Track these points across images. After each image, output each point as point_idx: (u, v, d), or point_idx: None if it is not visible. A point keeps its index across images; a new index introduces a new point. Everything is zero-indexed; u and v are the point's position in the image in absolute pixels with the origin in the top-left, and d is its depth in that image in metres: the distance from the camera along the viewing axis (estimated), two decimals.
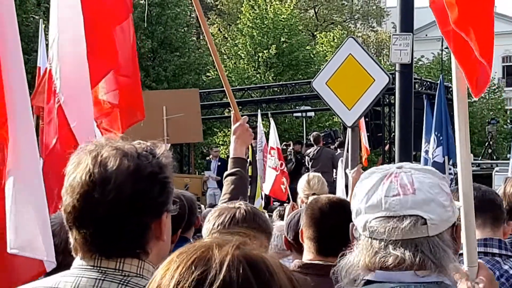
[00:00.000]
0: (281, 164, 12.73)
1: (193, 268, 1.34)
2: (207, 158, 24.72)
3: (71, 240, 2.08)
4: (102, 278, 2.02)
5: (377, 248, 2.06)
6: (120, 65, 4.76)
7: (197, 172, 34.61)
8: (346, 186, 8.24)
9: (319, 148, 18.23)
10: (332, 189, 17.16)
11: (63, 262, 2.18)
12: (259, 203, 11.92)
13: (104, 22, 4.40)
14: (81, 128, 4.01)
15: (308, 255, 3.40)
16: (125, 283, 2.01)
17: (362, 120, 12.76)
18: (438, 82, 12.23)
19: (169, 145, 2.27)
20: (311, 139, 18.90)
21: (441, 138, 11.84)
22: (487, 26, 3.82)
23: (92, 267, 2.04)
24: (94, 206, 2.00)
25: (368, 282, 2.08)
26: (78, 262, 2.08)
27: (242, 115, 4.50)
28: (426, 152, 12.05)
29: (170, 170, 2.11)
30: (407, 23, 11.05)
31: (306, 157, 18.64)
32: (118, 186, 1.99)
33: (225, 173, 4.25)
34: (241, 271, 1.33)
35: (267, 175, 12.54)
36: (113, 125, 4.92)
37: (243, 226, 3.02)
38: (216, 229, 3.03)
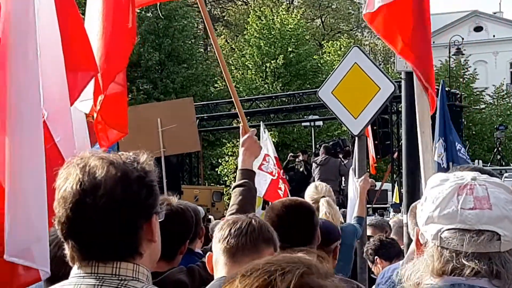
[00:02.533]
0: (283, 173, 12.68)
1: None
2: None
3: (67, 250, 2.16)
4: (100, 283, 2.09)
5: (449, 257, 2.06)
6: (111, 70, 4.77)
7: (206, 184, 34.67)
8: None
9: (326, 156, 18.22)
10: (340, 197, 17.23)
11: (63, 272, 2.24)
12: (260, 213, 11.92)
13: (80, 33, 4.42)
14: (65, 143, 4.03)
15: None
16: (123, 286, 2.10)
17: (369, 128, 12.75)
18: (440, 88, 12.20)
19: (151, 154, 2.32)
20: (323, 150, 18.83)
21: (444, 144, 11.81)
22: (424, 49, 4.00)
23: (89, 274, 2.12)
24: (87, 213, 2.09)
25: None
26: (75, 271, 2.16)
27: (250, 126, 4.53)
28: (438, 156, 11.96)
29: (154, 175, 2.21)
30: None
31: (313, 164, 18.59)
32: (108, 191, 2.09)
33: (233, 185, 4.27)
34: None
35: (261, 179, 12.41)
36: (101, 136, 4.91)
37: (259, 235, 3.06)
38: (233, 234, 3.05)
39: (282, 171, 12.78)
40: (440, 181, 2.17)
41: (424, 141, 3.45)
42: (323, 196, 5.71)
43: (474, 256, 2.05)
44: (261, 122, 15.47)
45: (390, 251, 5.89)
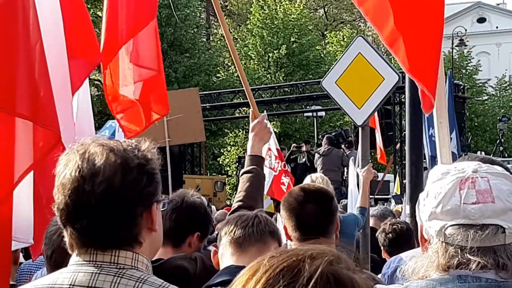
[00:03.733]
0: (284, 165, 12.68)
1: (281, 276, 1.33)
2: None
3: (66, 238, 2.15)
4: (98, 271, 2.09)
5: (454, 253, 2.05)
6: (140, 57, 4.81)
7: (208, 173, 34.69)
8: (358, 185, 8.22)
9: (329, 147, 18.19)
10: (342, 188, 17.20)
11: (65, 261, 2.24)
12: (268, 203, 11.90)
13: (84, 21, 4.40)
14: (65, 133, 4.02)
15: (294, 244, 3.46)
16: (120, 275, 2.08)
17: (377, 120, 12.74)
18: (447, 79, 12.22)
19: (154, 143, 2.33)
20: (326, 140, 18.77)
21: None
22: (427, 45, 3.79)
23: (88, 262, 2.11)
24: (86, 199, 2.07)
25: None
26: (74, 259, 2.15)
27: None
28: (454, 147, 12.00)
29: (156, 163, 2.19)
30: None
31: (316, 154, 18.54)
32: (108, 178, 2.07)
33: (242, 171, 4.20)
34: None
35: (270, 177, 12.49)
36: (134, 121, 4.98)
37: (265, 226, 3.08)
38: (240, 226, 3.06)
39: (283, 163, 12.76)
40: (441, 175, 2.14)
41: (441, 134, 3.38)
42: None
43: (479, 250, 2.03)
44: (264, 111, 15.50)
45: (397, 250, 5.74)
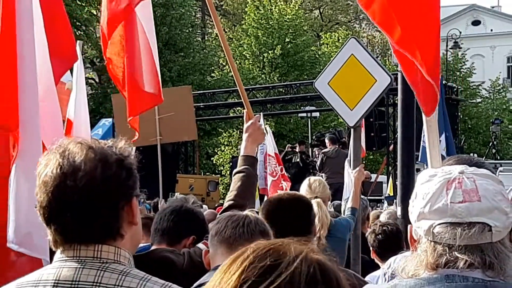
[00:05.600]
0: (281, 169, 12.68)
1: (268, 255, 1.40)
2: None
3: (49, 235, 2.20)
4: (82, 266, 2.14)
5: (442, 251, 2.10)
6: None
7: (202, 173, 34.68)
8: None
9: (336, 148, 18.09)
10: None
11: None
12: (257, 204, 11.91)
13: (62, 19, 4.42)
14: (49, 132, 3.99)
15: None
16: (104, 269, 2.14)
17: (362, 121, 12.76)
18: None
19: (129, 141, 2.37)
20: (329, 141, 18.70)
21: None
22: (432, 45, 3.81)
23: (72, 258, 2.16)
24: (69, 195, 2.12)
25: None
26: (58, 255, 2.21)
27: None
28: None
29: (133, 159, 2.26)
30: None
31: (321, 155, 18.43)
32: (88, 173, 2.13)
33: (234, 171, 4.24)
34: (311, 270, 1.38)
35: (268, 182, 12.52)
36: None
37: (256, 226, 3.11)
38: (230, 226, 3.09)
39: (281, 167, 12.77)
40: (429, 177, 2.19)
41: (431, 136, 3.42)
42: (316, 197, 5.70)
43: (466, 248, 2.07)
44: (261, 113, 15.50)
45: (386, 251, 5.75)
